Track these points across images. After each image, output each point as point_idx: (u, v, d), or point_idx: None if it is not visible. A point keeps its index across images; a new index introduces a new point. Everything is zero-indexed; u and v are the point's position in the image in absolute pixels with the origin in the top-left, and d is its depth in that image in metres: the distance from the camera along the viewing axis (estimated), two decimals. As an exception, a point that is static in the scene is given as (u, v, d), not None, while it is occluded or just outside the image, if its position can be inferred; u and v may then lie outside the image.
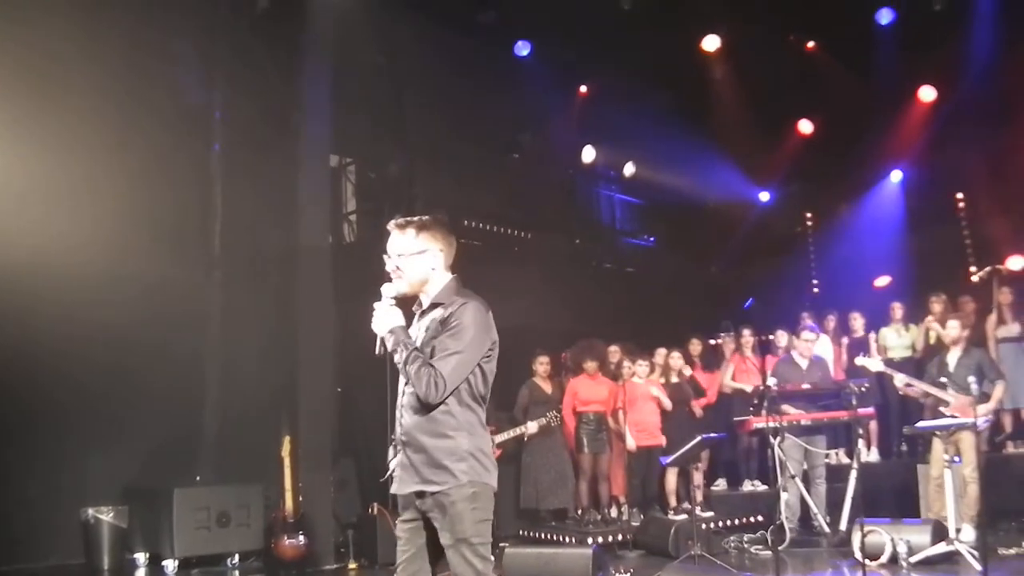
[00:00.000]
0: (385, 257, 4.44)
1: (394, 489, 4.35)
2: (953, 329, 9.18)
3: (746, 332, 11.34)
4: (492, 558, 4.26)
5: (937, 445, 8.91)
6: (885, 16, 12.02)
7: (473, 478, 4.16)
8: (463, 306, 4.32)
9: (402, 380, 4.36)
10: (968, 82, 12.04)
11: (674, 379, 10.91)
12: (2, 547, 8.91)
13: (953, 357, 9.12)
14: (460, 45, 12.10)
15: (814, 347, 10.11)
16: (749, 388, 10.93)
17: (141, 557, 9.39)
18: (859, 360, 9.68)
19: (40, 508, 9.20)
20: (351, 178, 11.97)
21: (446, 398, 4.17)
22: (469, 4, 11.98)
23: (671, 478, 10.58)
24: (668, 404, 10.56)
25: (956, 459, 8.39)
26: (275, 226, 10.41)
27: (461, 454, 4.17)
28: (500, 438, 9.71)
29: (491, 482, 4.23)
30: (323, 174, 10.34)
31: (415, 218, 4.49)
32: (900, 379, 9.20)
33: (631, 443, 10.22)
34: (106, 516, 9.20)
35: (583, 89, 13.53)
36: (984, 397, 8.62)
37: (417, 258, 4.41)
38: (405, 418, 4.33)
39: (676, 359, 11.00)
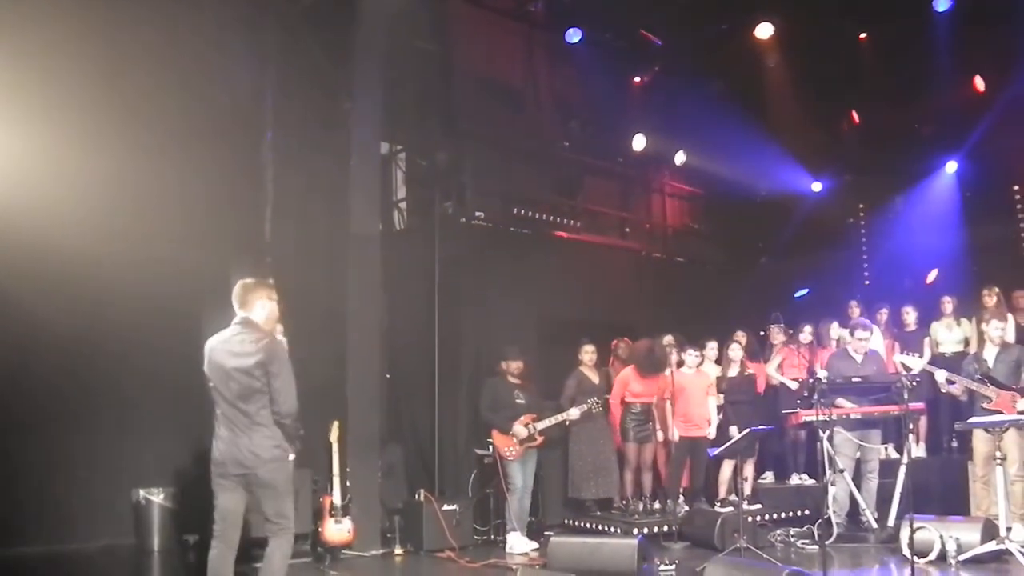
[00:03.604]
0: None
1: None
2: (996, 330, 9.08)
3: (804, 327, 11.23)
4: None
5: (979, 443, 8.82)
6: (943, 3, 11.80)
7: None
8: None
9: None
10: (1026, 70, 11.83)
11: (732, 372, 10.86)
12: (55, 527, 9.09)
13: (991, 354, 9.03)
14: (510, 32, 12.09)
15: (868, 343, 9.99)
16: (794, 385, 10.89)
17: (191, 539, 9.53)
18: (898, 357, 9.60)
19: (92, 489, 9.35)
20: (401, 165, 12.00)
21: None
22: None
23: (726, 470, 10.54)
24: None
25: (997, 455, 8.25)
26: (326, 213, 10.49)
27: None
28: (542, 425, 9.74)
29: None
30: (373, 161, 10.38)
31: None
32: (941, 376, 9.10)
33: (674, 433, 10.20)
34: (157, 498, 9.34)
35: (637, 80, 13.45)
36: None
37: None
38: None
39: (736, 351, 10.93)
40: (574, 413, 9.86)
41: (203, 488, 9.48)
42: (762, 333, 11.77)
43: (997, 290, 10.75)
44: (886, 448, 10.39)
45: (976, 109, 12.67)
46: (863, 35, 12.73)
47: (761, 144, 13.33)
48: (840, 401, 9.53)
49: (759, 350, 11.66)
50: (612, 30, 12.81)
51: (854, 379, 9.53)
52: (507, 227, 12.13)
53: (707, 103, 13.06)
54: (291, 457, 6.04)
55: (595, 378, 10.41)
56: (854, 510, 9.61)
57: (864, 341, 9.85)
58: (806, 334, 11.23)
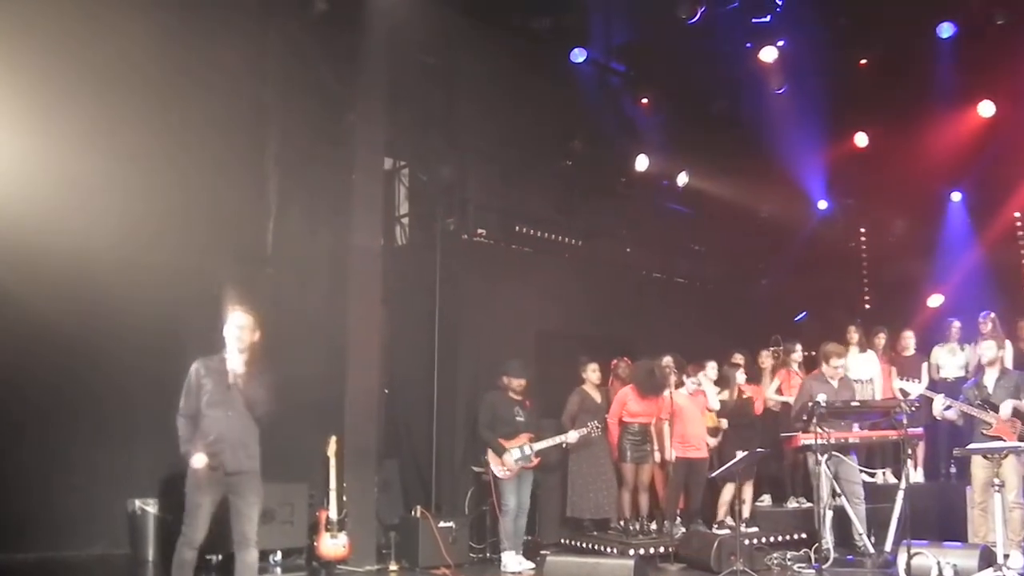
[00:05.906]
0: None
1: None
2: (988, 351, 9.08)
3: (797, 347, 11.23)
4: None
5: (977, 468, 8.80)
6: (946, 30, 11.83)
7: None
8: None
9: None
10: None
11: (725, 396, 10.83)
12: (49, 534, 9.04)
13: (991, 379, 9.02)
14: (515, 50, 12.10)
15: (842, 371, 9.94)
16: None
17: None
18: (897, 383, 9.58)
19: (87, 497, 9.29)
20: (404, 181, 12.00)
21: None
22: (525, 9, 11.98)
23: (726, 493, 10.51)
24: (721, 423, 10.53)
25: (996, 482, 8.21)
26: (327, 227, 10.49)
27: None
28: (539, 446, 9.71)
29: None
30: (376, 176, 10.42)
31: None
32: (938, 403, 9.08)
33: (669, 454, 10.16)
34: (152, 508, 9.31)
35: (644, 101, 13.44)
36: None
37: None
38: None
39: (739, 375, 10.91)
40: (573, 436, 9.84)
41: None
42: (764, 353, 11.74)
43: (993, 315, 10.75)
44: (883, 473, 10.37)
45: (980, 135, 12.68)
46: (864, 61, 12.72)
47: (764, 166, 13.33)
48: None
49: (757, 372, 11.65)
50: (616, 50, 12.84)
51: (853, 403, 9.51)
52: (508, 244, 12.12)
53: (711, 124, 13.10)
54: (193, 464, 6.93)
55: (598, 397, 10.40)
56: (850, 534, 9.56)
57: (839, 369, 9.83)
58: (797, 354, 11.22)
